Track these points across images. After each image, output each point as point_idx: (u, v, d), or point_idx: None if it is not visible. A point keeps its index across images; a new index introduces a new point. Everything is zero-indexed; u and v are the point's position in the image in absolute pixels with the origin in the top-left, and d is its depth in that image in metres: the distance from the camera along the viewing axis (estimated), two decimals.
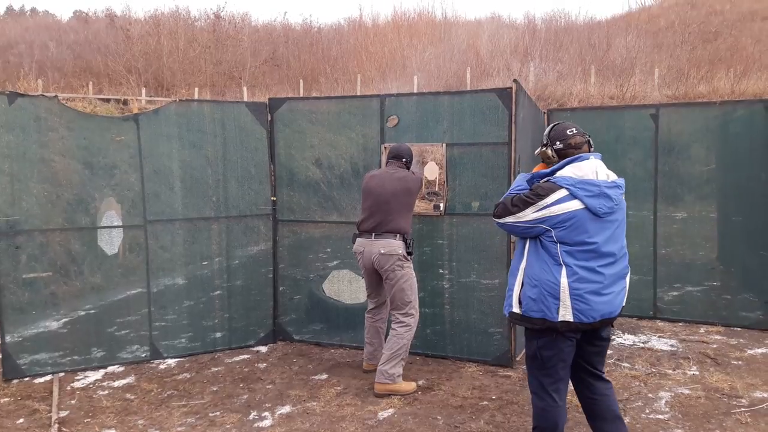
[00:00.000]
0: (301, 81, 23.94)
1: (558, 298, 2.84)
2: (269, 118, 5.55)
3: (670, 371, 4.77)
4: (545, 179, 2.97)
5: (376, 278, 4.56)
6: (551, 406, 3.00)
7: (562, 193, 2.84)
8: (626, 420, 3.88)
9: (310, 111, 5.55)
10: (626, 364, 4.94)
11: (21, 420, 4.07)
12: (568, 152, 2.99)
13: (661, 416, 3.95)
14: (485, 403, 4.22)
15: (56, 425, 3.92)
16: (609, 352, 5.26)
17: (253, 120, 5.48)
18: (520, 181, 3.13)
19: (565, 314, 2.85)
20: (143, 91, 22.27)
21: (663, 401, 4.18)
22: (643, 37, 23.90)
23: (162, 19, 29.23)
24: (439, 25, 28.65)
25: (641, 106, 7.17)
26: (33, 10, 48.39)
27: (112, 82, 24.41)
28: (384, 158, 5.00)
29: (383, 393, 4.33)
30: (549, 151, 3.04)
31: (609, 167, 6.59)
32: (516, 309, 2.98)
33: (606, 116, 6.52)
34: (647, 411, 4.03)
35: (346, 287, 5.53)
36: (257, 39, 29.96)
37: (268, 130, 5.54)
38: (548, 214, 2.84)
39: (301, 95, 21.47)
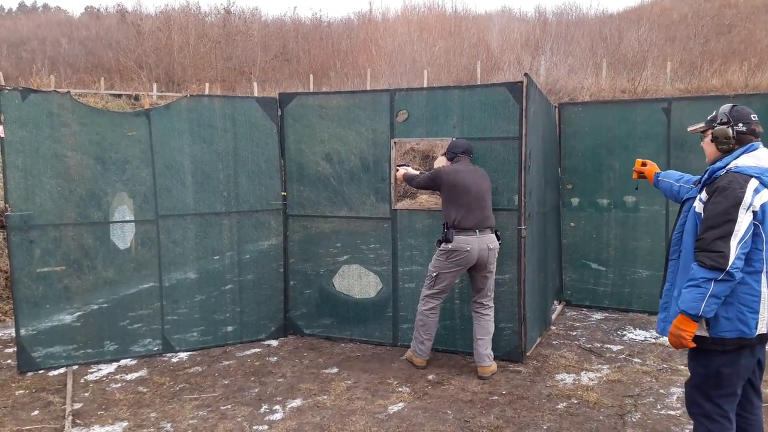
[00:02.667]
0: (311, 76, 23.95)
1: (757, 312, 2.57)
2: (279, 113, 5.56)
3: (682, 367, 4.74)
4: (721, 171, 2.64)
5: (460, 274, 4.72)
6: (727, 428, 2.68)
7: (754, 183, 2.54)
8: (637, 416, 3.88)
9: (320, 106, 5.55)
10: (637, 360, 4.92)
11: (36, 412, 4.12)
12: (746, 138, 2.71)
13: (672, 412, 3.93)
14: (495, 398, 4.22)
15: (70, 417, 3.96)
16: (620, 347, 5.26)
17: (264, 115, 5.49)
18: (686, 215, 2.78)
19: (762, 326, 2.58)
20: (154, 86, 22.38)
21: (674, 397, 4.17)
22: (656, 30, 23.69)
23: (172, 15, 29.35)
24: (449, 18, 28.54)
25: (653, 99, 7.11)
26: (45, 6, 48.76)
27: (123, 77, 24.55)
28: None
29: (489, 375, 4.58)
30: (729, 131, 2.69)
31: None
32: (702, 332, 2.61)
33: (618, 110, 6.47)
34: (659, 407, 4.02)
35: (356, 282, 5.54)
36: (267, 34, 30.03)
37: (278, 125, 5.56)
38: (755, 209, 2.51)
39: (311, 90, 21.48)
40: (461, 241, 4.50)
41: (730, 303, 2.57)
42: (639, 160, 3.63)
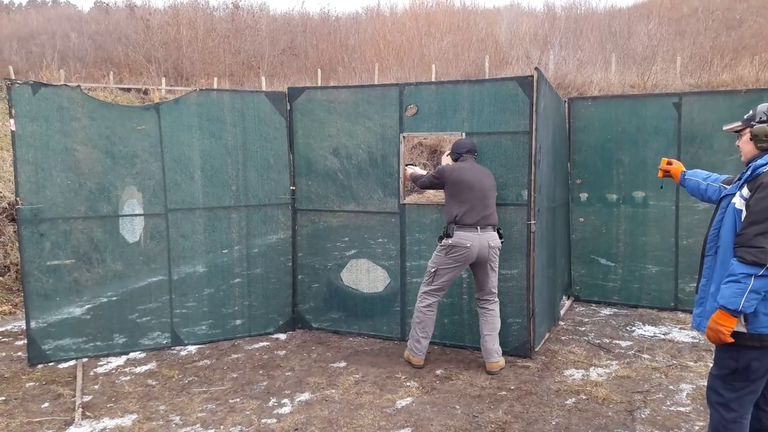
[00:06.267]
0: (319, 70, 23.93)
1: None
2: (288, 108, 5.56)
3: (692, 363, 4.72)
4: (764, 167, 2.65)
5: (461, 271, 4.73)
6: (743, 417, 2.73)
7: None
8: (647, 412, 3.86)
9: (328, 100, 5.54)
10: (647, 356, 4.90)
11: (46, 404, 4.15)
12: None
13: (682, 408, 3.91)
14: (503, 393, 4.22)
15: (80, 410, 3.99)
16: (629, 343, 5.24)
17: (273, 109, 5.49)
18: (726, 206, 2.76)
19: None
20: (163, 80, 22.43)
21: (684, 393, 4.15)
22: (666, 24, 23.54)
23: (181, 9, 29.42)
24: (457, 13, 28.46)
25: (664, 94, 7.06)
26: (54, 0, 48.92)
27: (132, 71, 24.64)
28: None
29: (497, 370, 4.59)
30: None
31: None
32: (740, 328, 2.61)
33: (628, 105, 6.42)
34: (668, 403, 4.00)
35: (364, 276, 5.55)
36: (275, 28, 30.05)
37: (287, 120, 5.55)
38: None
39: (319, 84, 21.46)
40: (461, 237, 4.48)
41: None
42: (665, 159, 3.59)
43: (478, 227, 4.50)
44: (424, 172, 5.02)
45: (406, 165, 5.18)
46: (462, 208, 4.51)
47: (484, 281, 4.62)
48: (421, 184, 4.92)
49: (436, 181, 4.73)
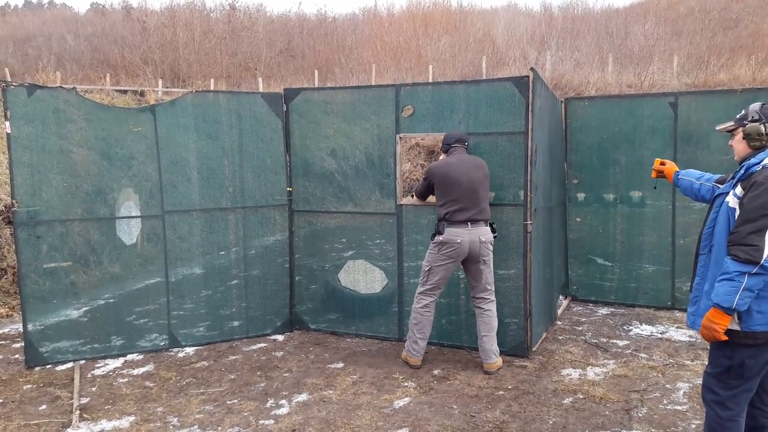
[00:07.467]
0: (316, 71, 23.91)
1: None
2: (285, 109, 5.56)
3: (689, 362, 4.73)
4: (757, 166, 2.66)
5: (456, 269, 4.71)
6: (738, 416, 2.74)
7: None
8: (644, 411, 3.87)
9: (325, 101, 5.55)
10: (644, 355, 4.91)
11: (43, 407, 4.14)
12: None
13: (679, 407, 3.92)
14: (501, 392, 4.22)
15: (77, 412, 3.99)
16: (626, 342, 5.25)
17: (269, 111, 5.49)
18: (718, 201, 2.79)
19: None
20: (160, 82, 22.38)
21: (681, 392, 4.16)
22: (662, 24, 23.58)
23: (177, 11, 29.32)
24: (454, 14, 28.44)
25: (660, 94, 7.07)
26: (51, 2, 48.91)
27: (128, 73, 24.58)
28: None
29: (495, 370, 4.59)
30: (762, 128, 2.73)
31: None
32: (733, 326, 2.62)
33: (624, 105, 6.43)
34: (665, 402, 4.01)
35: (361, 277, 5.55)
36: (272, 30, 30.01)
37: (283, 121, 5.56)
38: None
39: (316, 85, 21.45)
40: (452, 233, 4.50)
41: (763, 297, 2.59)
42: (658, 160, 3.62)
43: (469, 223, 4.51)
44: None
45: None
46: (452, 207, 4.52)
47: (478, 277, 4.62)
48: (418, 194, 4.94)
49: (426, 184, 4.75)
